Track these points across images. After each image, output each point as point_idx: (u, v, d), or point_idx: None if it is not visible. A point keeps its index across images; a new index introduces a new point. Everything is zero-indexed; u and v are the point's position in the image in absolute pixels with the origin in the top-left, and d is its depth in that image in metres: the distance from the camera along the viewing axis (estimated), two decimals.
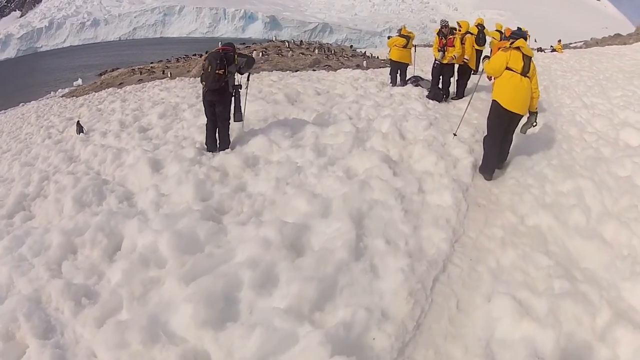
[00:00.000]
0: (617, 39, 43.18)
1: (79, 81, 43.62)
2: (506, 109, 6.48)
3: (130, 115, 12.74)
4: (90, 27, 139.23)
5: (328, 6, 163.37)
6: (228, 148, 8.04)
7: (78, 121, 12.76)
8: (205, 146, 8.25)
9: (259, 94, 13.41)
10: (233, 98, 7.99)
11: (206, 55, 7.92)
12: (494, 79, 6.97)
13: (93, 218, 5.57)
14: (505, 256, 4.58)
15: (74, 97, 27.57)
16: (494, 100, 6.64)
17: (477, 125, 8.78)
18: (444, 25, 11.66)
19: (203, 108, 8.18)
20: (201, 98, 8.21)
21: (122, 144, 9.68)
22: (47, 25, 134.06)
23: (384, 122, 8.92)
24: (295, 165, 6.86)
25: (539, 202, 5.76)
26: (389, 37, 14.40)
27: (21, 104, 34.74)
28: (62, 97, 32.01)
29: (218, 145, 8.15)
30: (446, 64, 11.65)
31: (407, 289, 3.89)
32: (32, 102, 34.62)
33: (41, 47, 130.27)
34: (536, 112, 6.93)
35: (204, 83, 7.76)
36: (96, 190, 6.67)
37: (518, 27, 7.73)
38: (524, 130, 7.09)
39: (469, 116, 8.15)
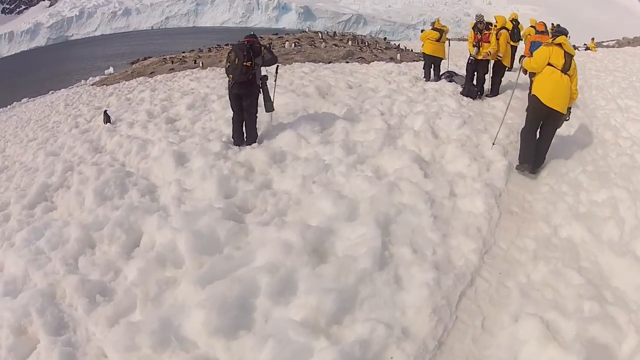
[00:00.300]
0: None
1: (111, 69, 43.86)
2: (545, 105, 6.32)
3: (159, 106, 12.67)
4: (122, 17, 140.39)
5: None
6: (255, 142, 7.89)
7: (105, 111, 12.72)
8: (232, 140, 8.11)
9: (290, 86, 13.23)
10: (261, 90, 7.83)
11: (231, 47, 7.74)
12: (530, 75, 6.79)
13: (113, 212, 5.53)
14: (536, 271, 4.33)
15: (104, 86, 27.65)
16: (533, 95, 6.50)
17: (512, 125, 8.46)
18: (480, 20, 11.36)
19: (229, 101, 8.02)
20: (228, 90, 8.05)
21: (148, 135, 9.56)
22: (77, 14, 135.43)
23: (416, 119, 8.69)
24: (323, 163, 6.66)
25: (573, 212, 5.50)
26: (422, 31, 14.17)
27: (50, 92, 34.90)
28: (92, 85, 32.10)
29: (245, 139, 8.01)
30: (481, 60, 11.33)
31: (431, 305, 3.66)
32: (61, 90, 34.58)
33: (72, 35, 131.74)
34: (569, 107, 6.74)
35: (230, 76, 7.55)
36: (118, 183, 6.59)
37: (552, 24, 7.46)
38: (559, 124, 6.86)
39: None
